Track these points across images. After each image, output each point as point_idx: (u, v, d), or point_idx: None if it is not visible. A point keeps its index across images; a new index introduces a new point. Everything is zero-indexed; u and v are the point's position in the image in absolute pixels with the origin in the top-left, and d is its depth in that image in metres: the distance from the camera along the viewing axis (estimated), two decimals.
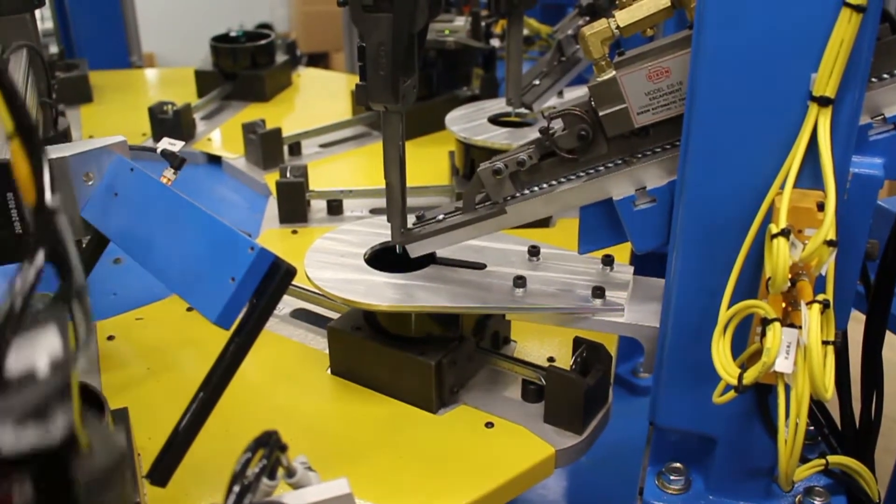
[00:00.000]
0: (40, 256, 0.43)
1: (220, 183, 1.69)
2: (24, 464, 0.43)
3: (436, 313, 0.96)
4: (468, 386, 1.01)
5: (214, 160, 1.75)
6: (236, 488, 0.59)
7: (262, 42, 2.01)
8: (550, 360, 1.05)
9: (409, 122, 0.94)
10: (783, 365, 0.65)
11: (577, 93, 1.57)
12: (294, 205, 1.42)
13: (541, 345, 1.09)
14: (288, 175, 1.44)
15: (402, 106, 0.90)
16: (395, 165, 0.94)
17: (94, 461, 0.46)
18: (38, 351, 0.42)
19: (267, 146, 1.62)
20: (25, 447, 0.42)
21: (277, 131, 1.64)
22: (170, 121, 1.74)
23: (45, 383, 0.42)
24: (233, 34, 2.05)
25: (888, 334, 0.89)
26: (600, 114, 0.83)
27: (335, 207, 1.46)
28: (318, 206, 1.47)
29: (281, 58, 2.09)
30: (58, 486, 0.45)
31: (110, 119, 1.95)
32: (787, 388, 0.67)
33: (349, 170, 1.70)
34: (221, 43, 2.00)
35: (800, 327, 0.65)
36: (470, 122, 1.50)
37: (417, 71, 0.90)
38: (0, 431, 0.41)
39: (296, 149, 1.71)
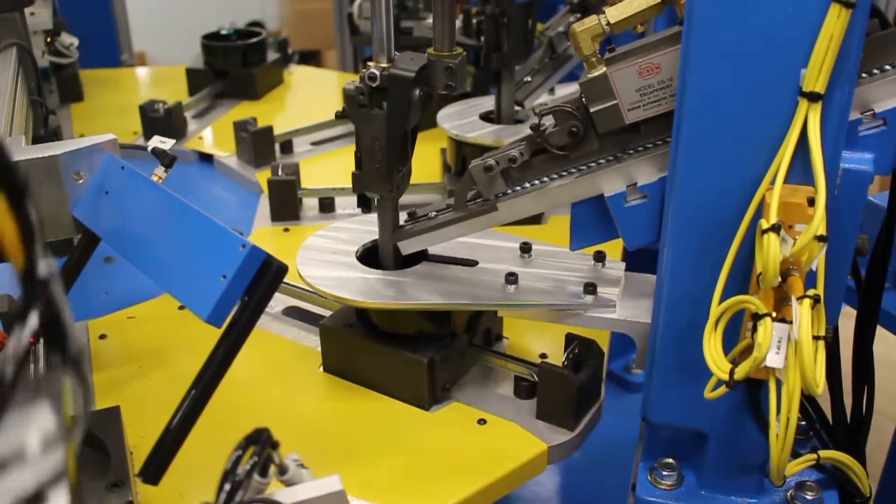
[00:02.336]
0: (34, 319, 0.38)
1: (211, 181, 1.68)
2: None
3: (428, 310, 0.96)
4: (460, 383, 1.01)
5: (206, 158, 1.75)
6: (227, 486, 0.59)
7: (254, 40, 2.00)
8: (542, 356, 1.05)
9: None
10: (774, 360, 0.65)
11: (569, 89, 1.57)
12: (286, 203, 1.42)
13: (533, 341, 1.09)
14: (280, 173, 1.43)
15: (395, 194, 0.93)
16: (387, 247, 0.98)
17: None
18: (30, 429, 0.38)
19: (258, 144, 1.62)
20: None
21: (269, 129, 1.64)
22: (161, 119, 1.73)
23: (36, 466, 0.37)
24: (224, 32, 2.04)
25: (879, 329, 0.89)
26: (591, 110, 0.83)
27: (327, 205, 1.46)
28: (310, 204, 1.47)
29: (272, 56, 2.08)
30: None
31: (102, 117, 1.94)
32: (779, 384, 0.67)
33: (341, 167, 1.68)
34: (212, 41, 1.99)
35: (791, 322, 0.65)
36: (461, 119, 1.50)
37: (411, 160, 0.93)
38: None
39: (287, 147, 1.70)
